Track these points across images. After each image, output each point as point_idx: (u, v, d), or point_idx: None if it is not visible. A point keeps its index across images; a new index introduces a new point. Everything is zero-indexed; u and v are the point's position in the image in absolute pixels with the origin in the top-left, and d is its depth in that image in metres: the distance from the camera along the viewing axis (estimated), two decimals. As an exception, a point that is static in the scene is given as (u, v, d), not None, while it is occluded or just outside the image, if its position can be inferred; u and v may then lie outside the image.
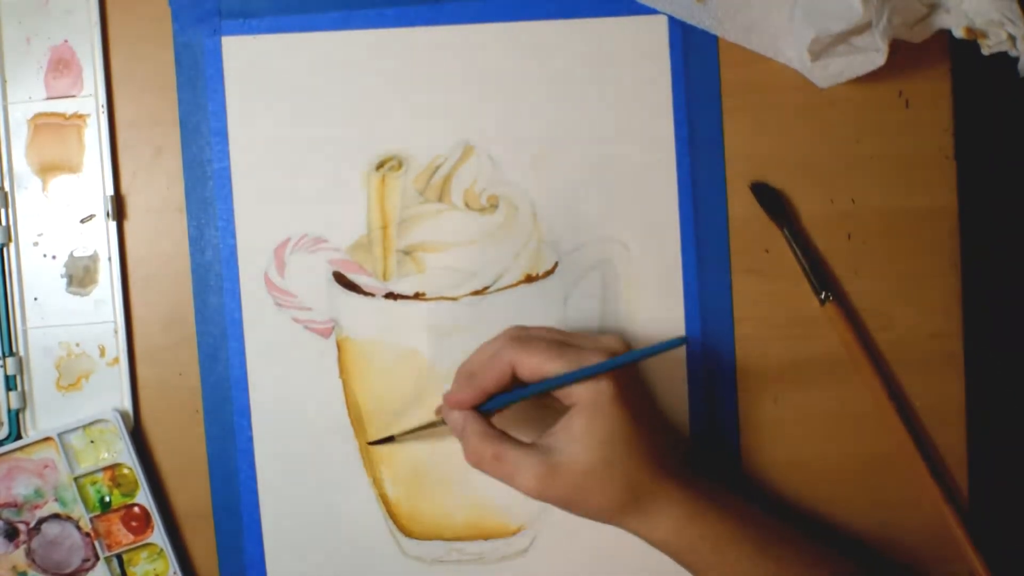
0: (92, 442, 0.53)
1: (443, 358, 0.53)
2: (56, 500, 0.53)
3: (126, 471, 0.53)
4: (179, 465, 0.53)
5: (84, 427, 0.52)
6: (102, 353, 0.53)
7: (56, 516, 0.53)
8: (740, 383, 0.53)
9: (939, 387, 0.53)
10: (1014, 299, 0.60)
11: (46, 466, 0.53)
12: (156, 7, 0.53)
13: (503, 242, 0.53)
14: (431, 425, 0.50)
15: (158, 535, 0.52)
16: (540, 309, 0.53)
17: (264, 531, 0.53)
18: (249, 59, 0.53)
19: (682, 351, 0.53)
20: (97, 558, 0.53)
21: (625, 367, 0.45)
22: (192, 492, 0.53)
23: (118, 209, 0.53)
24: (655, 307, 0.53)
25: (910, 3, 0.48)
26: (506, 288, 0.53)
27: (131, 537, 0.53)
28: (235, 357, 0.53)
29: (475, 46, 0.53)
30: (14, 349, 0.53)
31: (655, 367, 0.53)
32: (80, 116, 0.53)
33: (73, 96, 0.53)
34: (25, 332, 0.53)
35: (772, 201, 0.53)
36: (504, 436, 0.45)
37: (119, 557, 0.53)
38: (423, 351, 0.53)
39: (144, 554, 0.53)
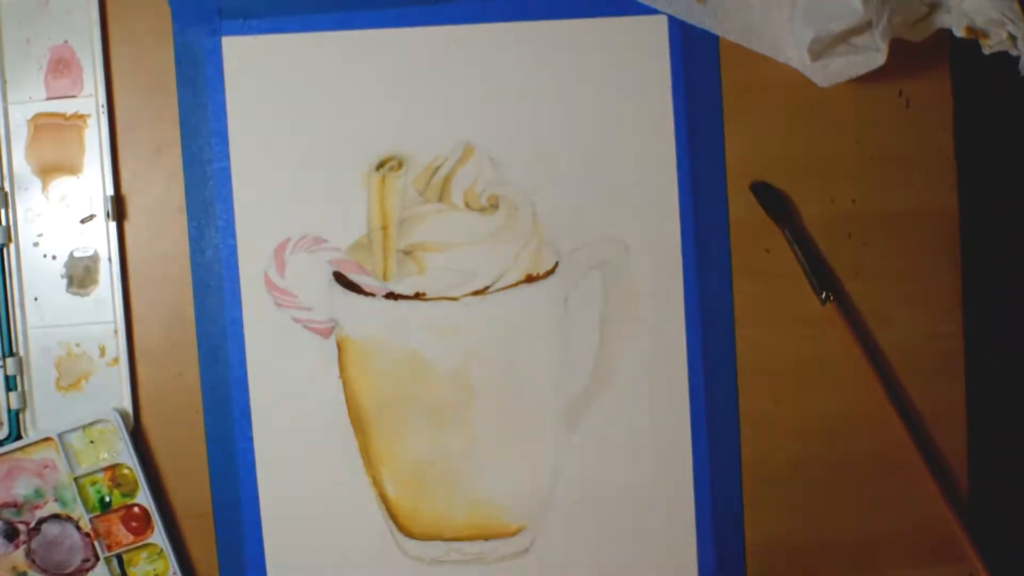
0: (92, 442, 0.53)
1: (443, 358, 0.53)
2: (56, 500, 0.53)
3: (126, 471, 0.53)
4: (179, 465, 0.53)
5: (84, 427, 0.52)
6: (102, 353, 0.53)
7: (56, 516, 0.53)
8: (740, 383, 0.53)
9: (939, 387, 0.53)
10: (1014, 299, 0.60)
11: (46, 466, 0.53)
12: (156, 7, 0.53)
13: (503, 242, 0.53)
14: None
15: (158, 535, 0.52)
16: (540, 309, 0.53)
17: (264, 531, 0.53)
18: (249, 59, 0.53)
19: (682, 351, 0.53)
20: (97, 558, 0.53)
21: None
22: (192, 492, 0.53)
23: (118, 209, 0.53)
24: (655, 307, 0.53)
25: (910, 3, 0.48)
26: (506, 288, 0.53)
27: (131, 537, 0.53)
28: (235, 357, 0.53)
29: (475, 46, 0.53)
30: (14, 349, 0.53)
31: (655, 366, 0.53)
32: (80, 116, 0.53)
33: (73, 96, 0.53)
34: (25, 332, 0.53)
35: (772, 201, 0.53)
36: None
37: (119, 557, 0.53)
38: (423, 351, 0.53)
39: (144, 554, 0.53)
